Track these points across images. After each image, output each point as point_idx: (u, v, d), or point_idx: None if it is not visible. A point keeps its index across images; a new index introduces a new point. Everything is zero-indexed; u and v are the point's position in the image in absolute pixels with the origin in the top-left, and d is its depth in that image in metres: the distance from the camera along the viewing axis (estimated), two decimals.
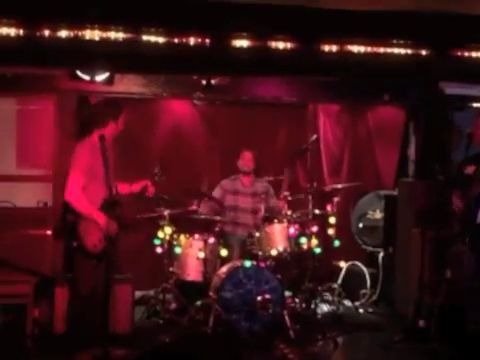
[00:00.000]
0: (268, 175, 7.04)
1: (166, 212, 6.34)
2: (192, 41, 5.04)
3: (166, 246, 6.37)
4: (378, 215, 7.39)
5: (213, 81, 6.61)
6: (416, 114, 7.42)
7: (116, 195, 5.16)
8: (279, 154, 7.57)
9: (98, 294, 5.02)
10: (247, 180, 7.01)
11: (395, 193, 7.23)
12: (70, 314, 5.39)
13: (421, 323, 5.72)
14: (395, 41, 5.23)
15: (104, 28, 4.96)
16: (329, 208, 6.73)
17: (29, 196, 6.48)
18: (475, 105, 7.15)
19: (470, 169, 5.46)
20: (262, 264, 6.09)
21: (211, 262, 6.34)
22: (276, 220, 6.35)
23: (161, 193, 6.14)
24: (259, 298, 5.84)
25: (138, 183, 5.65)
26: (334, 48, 5.19)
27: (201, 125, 7.58)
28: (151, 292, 6.73)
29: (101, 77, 5.77)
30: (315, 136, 7.11)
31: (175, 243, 6.39)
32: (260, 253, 6.21)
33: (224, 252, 6.32)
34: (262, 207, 6.50)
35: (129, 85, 6.85)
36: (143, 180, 5.68)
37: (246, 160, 6.93)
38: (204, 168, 7.55)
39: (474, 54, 5.23)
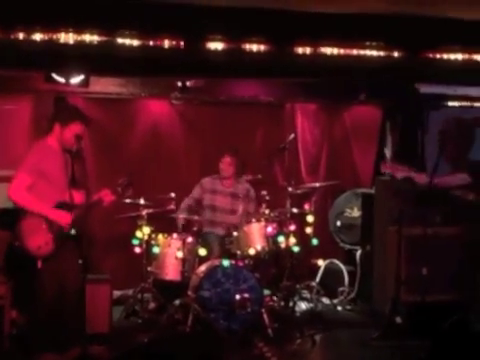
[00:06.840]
0: (246, 174, 7.05)
1: (144, 212, 6.36)
2: (166, 44, 5.05)
3: (144, 246, 6.38)
4: (355, 213, 7.43)
5: (188, 83, 6.62)
6: (392, 113, 7.49)
7: (70, 202, 4.90)
8: (257, 153, 7.58)
9: (68, 294, 4.98)
10: (228, 181, 7.02)
11: (372, 191, 7.26)
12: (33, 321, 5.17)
13: (398, 320, 5.78)
14: (368, 43, 5.27)
15: (78, 31, 4.96)
16: (307, 207, 6.78)
17: (5, 196, 6.44)
18: (450, 104, 7.25)
19: None
20: (240, 263, 6.09)
21: (189, 261, 6.35)
22: (254, 219, 6.37)
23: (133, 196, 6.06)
24: (237, 297, 5.85)
25: (99, 193, 5.29)
26: (308, 50, 5.23)
27: (179, 125, 7.57)
28: (129, 292, 6.72)
29: (76, 79, 5.76)
30: (292, 135, 7.09)
31: (153, 243, 6.41)
32: (238, 252, 6.22)
33: (202, 251, 6.32)
34: (240, 208, 6.53)
35: (106, 85, 6.84)
36: (104, 189, 5.27)
37: (225, 165, 6.87)
38: (182, 168, 7.55)
39: (445, 56, 5.30)
